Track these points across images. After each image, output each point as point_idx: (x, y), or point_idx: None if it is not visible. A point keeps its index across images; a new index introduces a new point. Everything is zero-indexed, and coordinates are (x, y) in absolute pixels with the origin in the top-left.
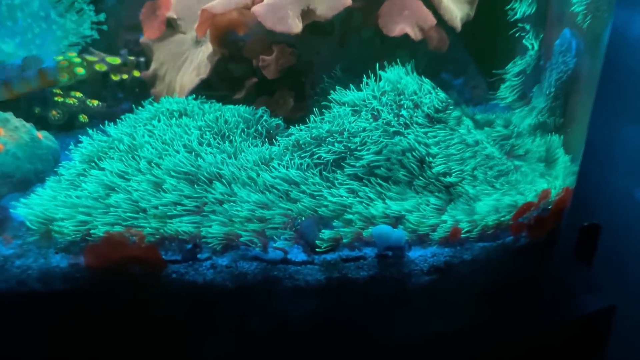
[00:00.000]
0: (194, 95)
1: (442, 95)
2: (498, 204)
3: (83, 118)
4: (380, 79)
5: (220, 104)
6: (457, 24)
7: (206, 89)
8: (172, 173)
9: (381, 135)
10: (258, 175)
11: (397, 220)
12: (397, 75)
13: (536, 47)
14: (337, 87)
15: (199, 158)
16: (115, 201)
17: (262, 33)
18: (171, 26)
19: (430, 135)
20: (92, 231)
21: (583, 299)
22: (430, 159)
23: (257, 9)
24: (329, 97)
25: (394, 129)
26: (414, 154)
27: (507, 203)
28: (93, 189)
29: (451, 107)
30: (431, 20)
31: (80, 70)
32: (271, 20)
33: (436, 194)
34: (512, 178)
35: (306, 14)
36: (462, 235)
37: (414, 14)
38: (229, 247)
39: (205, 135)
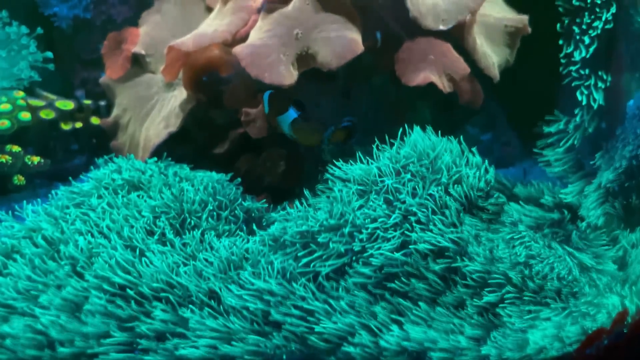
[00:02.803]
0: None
1: (488, 172)
2: (559, 331)
3: (18, 180)
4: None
5: (189, 169)
6: (495, 72)
7: (180, 141)
8: (103, 285)
9: (398, 229)
10: (223, 288)
11: (418, 357)
12: (425, 140)
13: (599, 102)
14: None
15: (144, 259)
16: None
17: (247, 77)
18: (138, 64)
19: (466, 230)
20: None
21: None
22: (467, 261)
23: (239, 51)
24: (329, 162)
25: (415, 217)
26: (445, 257)
27: (570, 330)
28: None
29: (494, 190)
30: (463, 68)
31: (26, 116)
32: (258, 66)
33: (474, 317)
34: (575, 291)
35: (303, 59)
36: None
37: (442, 59)
38: None
39: (160, 219)
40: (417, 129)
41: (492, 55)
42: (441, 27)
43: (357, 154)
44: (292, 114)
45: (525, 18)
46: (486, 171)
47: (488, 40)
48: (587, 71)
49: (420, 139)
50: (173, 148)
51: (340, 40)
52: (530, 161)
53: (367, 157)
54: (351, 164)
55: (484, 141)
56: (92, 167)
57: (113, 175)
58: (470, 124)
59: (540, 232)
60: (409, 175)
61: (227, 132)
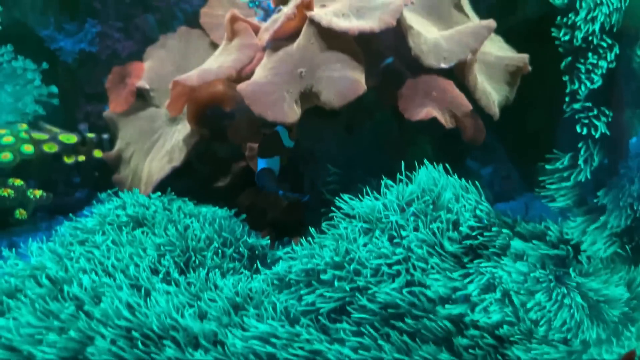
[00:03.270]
0: (164, 190)
1: (485, 207)
2: None
3: (20, 214)
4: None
5: (193, 205)
6: (495, 110)
7: (182, 174)
8: (108, 326)
9: (402, 267)
10: (227, 331)
11: None
12: (429, 177)
13: (603, 137)
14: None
15: (149, 300)
16: None
17: (251, 112)
18: (142, 98)
19: (472, 271)
20: None
21: None
22: (472, 313)
23: (243, 88)
24: (331, 199)
25: (417, 256)
26: (447, 300)
27: None
28: None
29: (495, 228)
30: (465, 105)
31: (29, 149)
32: (261, 104)
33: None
34: (581, 332)
35: (307, 97)
36: None
37: (444, 96)
38: None
39: (165, 258)
40: (425, 165)
41: (493, 93)
42: (442, 66)
43: (365, 189)
44: (261, 163)
45: (525, 57)
46: (487, 207)
47: (489, 78)
48: (591, 107)
49: (425, 176)
50: (175, 181)
51: (343, 81)
52: (530, 195)
53: (374, 193)
54: (358, 200)
55: (484, 175)
56: (94, 202)
57: (117, 212)
58: (470, 158)
59: (545, 268)
60: (412, 209)
61: (229, 166)
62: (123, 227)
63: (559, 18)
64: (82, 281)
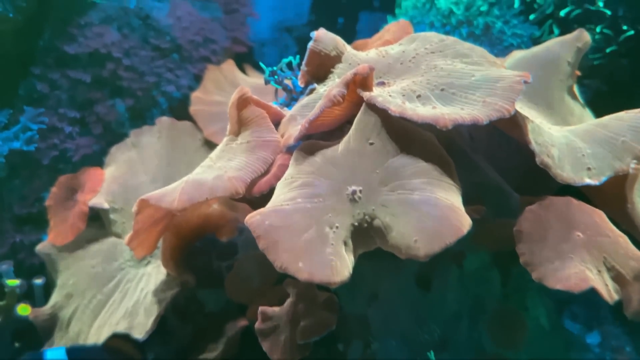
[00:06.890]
0: None
1: None
2: None
3: None
4: None
5: None
6: None
7: (152, 338)
8: None
9: None
10: None
11: None
12: None
13: None
14: None
15: None
16: None
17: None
18: (98, 223)
19: None
20: None
21: None
22: None
23: (257, 223)
24: None
25: None
26: None
27: None
28: None
29: None
30: (637, 257)
31: None
32: (287, 250)
33: None
34: None
35: (364, 236)
36: None
37: (598, 239)
38: None
39: None
40: None
41: None
42: (587, 182)
43: None
44: None
45: None
46: None
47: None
48: None
49: None
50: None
51: (432, 209)
52: None
53: None
54: None
55: (589, 345)
56: None
57: None
58: (570, 317)
59: None
60: None
61: (222, 325)
62: None
63: None
64: None
